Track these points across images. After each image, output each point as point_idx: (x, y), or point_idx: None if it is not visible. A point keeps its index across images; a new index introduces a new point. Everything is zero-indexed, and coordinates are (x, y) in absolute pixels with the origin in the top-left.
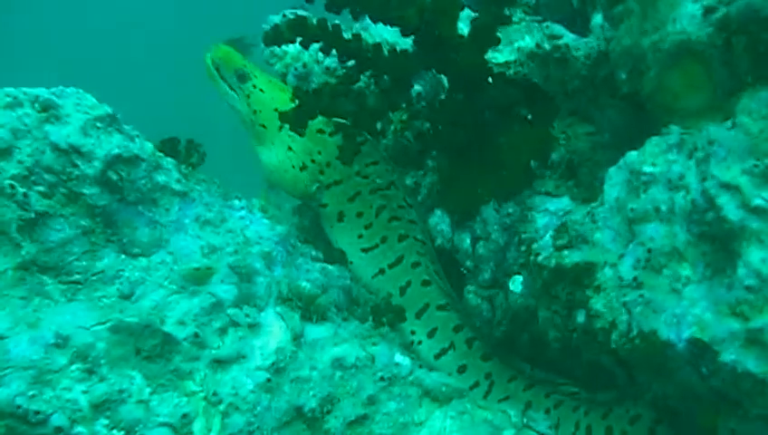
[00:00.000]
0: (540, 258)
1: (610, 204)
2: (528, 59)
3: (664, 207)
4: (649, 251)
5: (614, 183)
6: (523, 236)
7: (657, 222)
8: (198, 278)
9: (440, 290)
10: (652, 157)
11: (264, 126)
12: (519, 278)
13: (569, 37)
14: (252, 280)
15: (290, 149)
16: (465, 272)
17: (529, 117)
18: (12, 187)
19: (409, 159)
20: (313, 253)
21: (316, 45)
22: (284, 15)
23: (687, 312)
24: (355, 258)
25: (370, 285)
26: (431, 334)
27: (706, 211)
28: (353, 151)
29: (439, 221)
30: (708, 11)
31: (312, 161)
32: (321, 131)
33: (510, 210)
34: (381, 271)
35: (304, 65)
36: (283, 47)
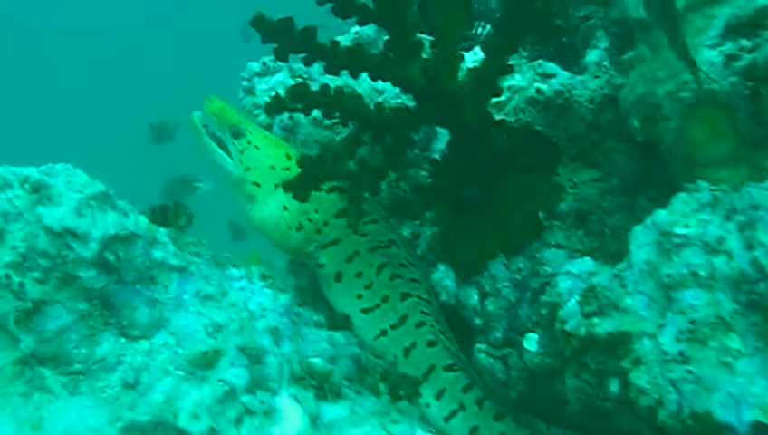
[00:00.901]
0: (567, 327)
1: (640, 267)
2: (528, 105)
3: (703, 273)
4: (692, 322)
5: (641, 243)
6: (545, 299)
7: (697, 289)
8: (206, 362)
9: (446, 350)
10: (683, 217)
11: (257, 184)
12: (534, 336)
13: (563, 75)
14: (262, 361)
15: (285, 208)
16: (473, 329)
17: (532, 165)
18: (7, 277)
19: (405, 210)
20: (315, 317)
21: None
22: (264, 63)
23: (745, 391)
24: (355, 319)
25: (372, 347)
26: (439, 396)
27: (758, 281)
28: (358, 215)
29: (443, 276)
30: (730, 58)
31: (309, 220)
32: (317, 189)
33: (520, 265)
34: (383, 332)
35: (291, 117)
36: (266, 98)
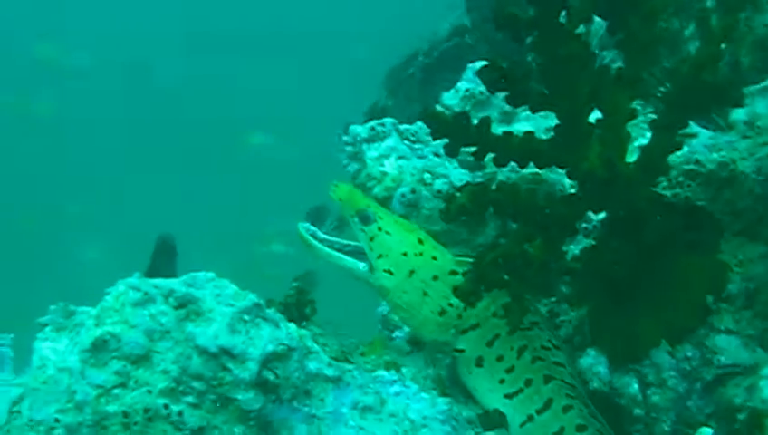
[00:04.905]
0: None
1: None
2: (688, 178)
3: None
4: None
5: None
6: (740, 401)
7: None
8: None
9: (598, 434)
10: None
11: (390, 272)
12: (708, 431)
13: (704, 135)
14: None
15: (425, 294)
16: (630, 418)
17: (695, 244)
18: (166, 407)
19: (549, 292)
20: (465, 413)
21: (420, 165)
22: (372, 128)
23: None
24: (499, 406)
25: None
26: None
27: None
28: (521, 312)
29: (594, 362)
30: None
31: (450, 305)
32: (454, 273)
33: (688, 353)
34: (530, 418)
35: (413, 190)
36: (381, 167)
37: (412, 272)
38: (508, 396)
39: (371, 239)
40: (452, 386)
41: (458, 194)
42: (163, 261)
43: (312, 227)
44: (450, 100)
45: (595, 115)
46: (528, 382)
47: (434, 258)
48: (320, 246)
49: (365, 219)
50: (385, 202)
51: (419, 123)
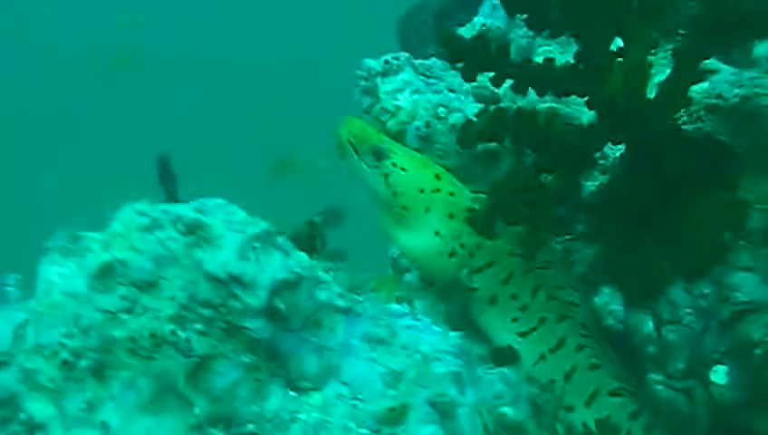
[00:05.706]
0: None
1: None
2: (708, 112)
3: None
4: None
5: None
6: (761, 337)
7: None
8: (393, 419)
9: (611, 374)
10: None
11: (405, 208)
12: (723, 368)
13: (726, 71)
14: (453, 415)
15: (437, 233)
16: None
17: (715, 179)
18: (173, 332)
19: (563, 228)
20: (476, 350)
21: (435, 99)
22: (387, 62)
23: None
24: (512, 344)
25: (532, 373)
26: None
27: None
28: (537, 246)
29: (609, 301)
30: None
31: (462, 245)
32: (470, 210)
33: (705, 291)
34: (542, 356)
35: (427, 124)
36: (395, 101)
37: (428, 209)
38: (521, 334)
39: (387, 176)
40: (463, 324)
41: (476, 120)
42: (166, 183)
43: (353, 137)
44: (466, 34)
45: (617, 44)
46: (542, 321)
47: (451, 194)
48: (357, 158)
49: (379, 155)
50: (399, 136)
51: (434, 59)
